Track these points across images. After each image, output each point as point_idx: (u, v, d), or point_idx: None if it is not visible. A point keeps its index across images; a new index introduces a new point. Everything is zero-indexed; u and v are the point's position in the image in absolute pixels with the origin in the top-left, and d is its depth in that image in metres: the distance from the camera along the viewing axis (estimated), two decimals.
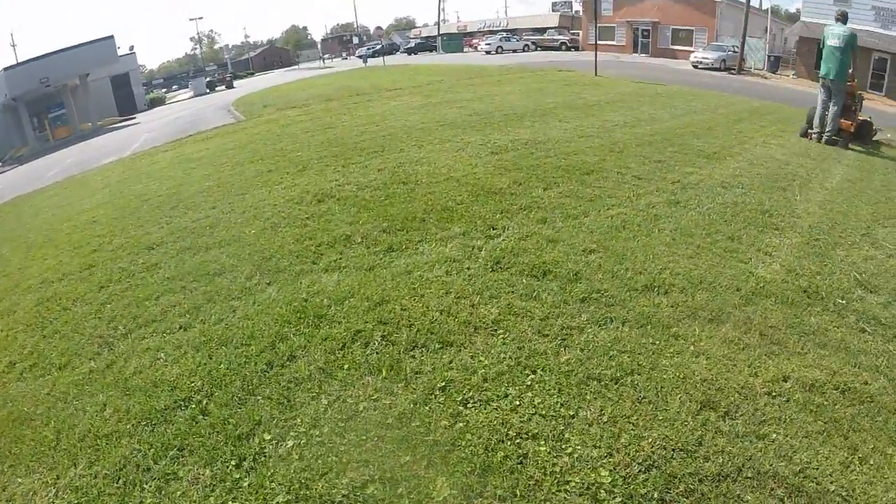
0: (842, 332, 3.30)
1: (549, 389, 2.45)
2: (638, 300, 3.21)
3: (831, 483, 2.29)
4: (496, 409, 2.34)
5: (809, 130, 9.06)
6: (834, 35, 8.64)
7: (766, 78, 29.81)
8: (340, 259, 3.70)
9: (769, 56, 35.70)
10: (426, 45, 50.38)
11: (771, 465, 2.28)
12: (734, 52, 31.74)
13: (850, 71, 8.76)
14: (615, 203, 4.73)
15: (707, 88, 16.05)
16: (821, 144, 8.63)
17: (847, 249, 4.56)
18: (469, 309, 2.97)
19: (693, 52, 33.83)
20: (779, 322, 3.22)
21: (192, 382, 2.65)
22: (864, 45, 31.76)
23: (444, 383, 2.48)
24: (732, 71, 30.18)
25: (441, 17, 60.31)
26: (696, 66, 30.43)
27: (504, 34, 46.47)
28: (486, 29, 56.30)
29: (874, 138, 9.39)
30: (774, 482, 2.22)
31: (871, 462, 2.46)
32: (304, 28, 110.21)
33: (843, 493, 2.24)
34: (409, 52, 48.23)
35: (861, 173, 7.25)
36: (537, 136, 7.04)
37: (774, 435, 2.44)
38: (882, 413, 2.72)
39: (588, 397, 2.43)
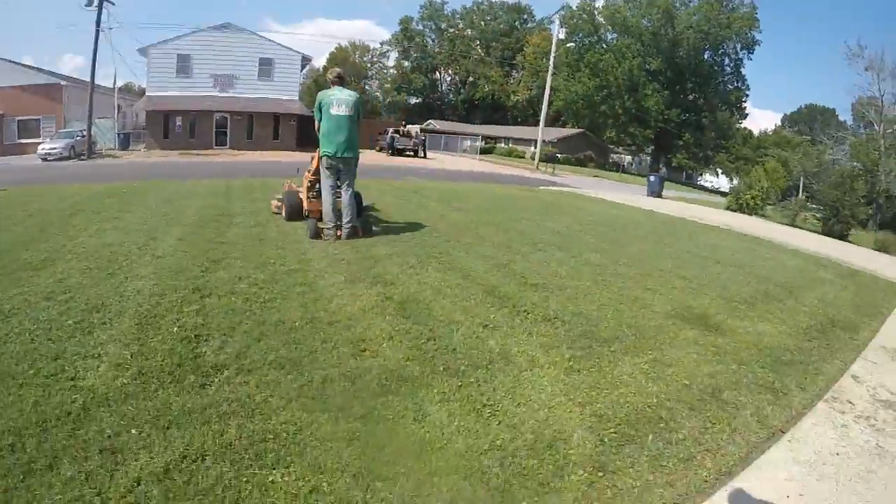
0: None
1: None
2: None
3: None
4: None
5: (321, 226, 7.18)
6: (339, 101, 6.94)
7: (116, 157, 30.08)
8: None
9: (119, 134, 36.29)
10: None
11: None
12: (83, 136, 30.76)
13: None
14: None
15: (52, 183, 14.73)
16: (341, 242, 6.91)
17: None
18: None
19: (41, 143, 31.20)
20: None
21: None
22: (208, 108, 36.13)
23: None
24: (83, 157, 29.19)
25: None
26: (45, 159, 28.22)
27: None
28: None
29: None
30: None
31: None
32: None
33: None
34: None
35: None
36: None
37: None
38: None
39: None
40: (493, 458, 2.65)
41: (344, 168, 7.12)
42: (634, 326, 4.56)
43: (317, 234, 7.06)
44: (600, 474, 2.57)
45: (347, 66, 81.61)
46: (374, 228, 7.70)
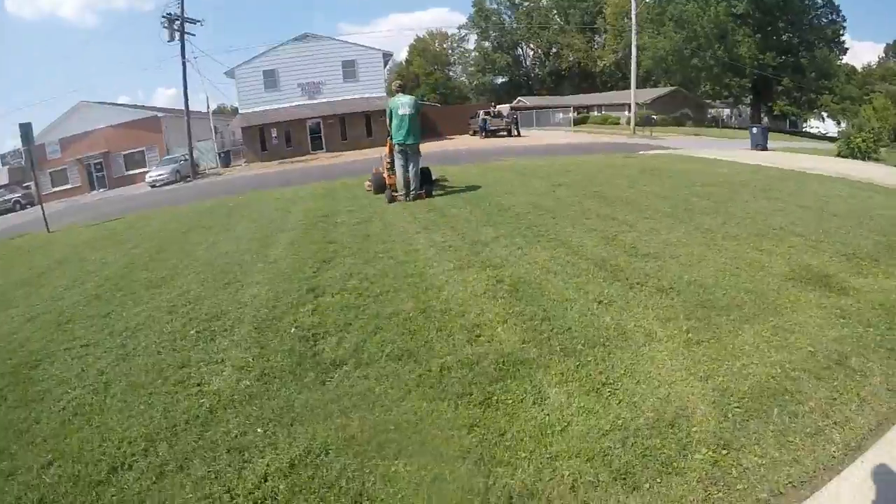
0: None
1: None
2: None
3: None
4: None
5: (395, 194, 9.98)
6: (403, 104, 9.60)
7: (219, 175, 31.81)
8: None
9: (219, 153, 38.44)
10: None
11: None
12: (186, 160, 32.82)
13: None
14: None
15: (163, 206, 15.97)
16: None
17: None
18: None
19: (148, 172, 33.72)
20: None
21: None
22: (300, 116, 37.69)
23: None
24: (188, 179, 31.09)
25: None
26: (154, 186, 30.45)
27: None
28: None
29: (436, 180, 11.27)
30: None
31: None
32: None
33: None
34: None
35: None
36: None
37: None
38: None
39: None
40: (615, 438, 2.60)
41: (409, 151, 9.77)
42: (753, 291, 4.29)
43: (392, 199, 9.90)
44: (724, 452, 2.46)
45: (428, 56, 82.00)
46: (434, 193, 10.25)
